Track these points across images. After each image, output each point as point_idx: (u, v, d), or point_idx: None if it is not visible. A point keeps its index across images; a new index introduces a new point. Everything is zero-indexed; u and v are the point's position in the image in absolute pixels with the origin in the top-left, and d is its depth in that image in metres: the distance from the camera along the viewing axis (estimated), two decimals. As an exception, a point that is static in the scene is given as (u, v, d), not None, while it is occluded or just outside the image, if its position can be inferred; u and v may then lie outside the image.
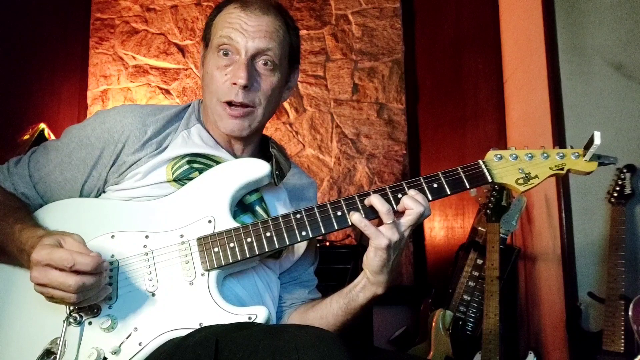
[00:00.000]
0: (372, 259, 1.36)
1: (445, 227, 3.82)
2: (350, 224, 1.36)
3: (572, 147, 1.43)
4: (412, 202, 1.33)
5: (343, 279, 3.05)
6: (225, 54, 1.48)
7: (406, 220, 1.34)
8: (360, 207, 1.36)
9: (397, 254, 1.37)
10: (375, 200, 1.33)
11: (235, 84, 1.46)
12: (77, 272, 1.19)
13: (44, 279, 1.20)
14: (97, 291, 1.26)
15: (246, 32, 1.47)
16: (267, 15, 1.50)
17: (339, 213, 1.36)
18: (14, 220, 1.36)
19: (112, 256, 1.35)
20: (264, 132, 1.70)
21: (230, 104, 1.48)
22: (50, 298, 1.24)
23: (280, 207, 1.57)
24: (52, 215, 1.43)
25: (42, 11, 4.02)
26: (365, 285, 1.41)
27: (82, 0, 4.09)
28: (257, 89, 1.49)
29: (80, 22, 4.07)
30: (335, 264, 3.13)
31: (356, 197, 1.37)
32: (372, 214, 1.35)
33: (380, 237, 1.33)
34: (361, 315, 1.46)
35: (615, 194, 2.72)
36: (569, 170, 1.41)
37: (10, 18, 3.94)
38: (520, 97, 3.49)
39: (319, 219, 1.36)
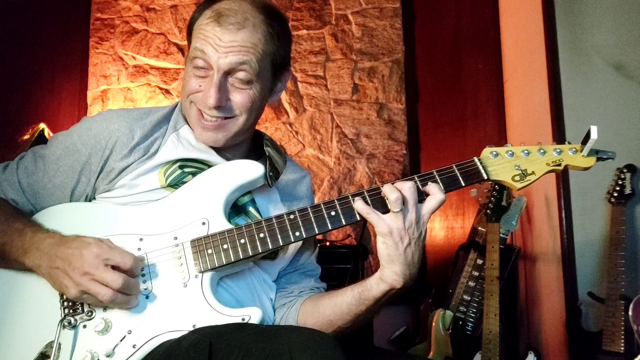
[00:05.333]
0: (380, 247, 1.34)
1: (445, 227, 3.82)
2: (344, 223, 1.35)
3: (569, 143, 1.41)
4: (436, 189, 1.34)
5: (343, 279, 3.04)
6: (201, 67, 1.44)
7: (427, 206, 1.34)
8: (365, 202, 1.35)
9: (413, 246, 1.33)
10: (387, 189, 1.32)
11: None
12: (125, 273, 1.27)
13: (95, 270, 1.25)
14: (129, 302, 1.30)
15: (219, 48, 1.40)
16: (243, 30, 1.42)
17: (333, 213, 1.36)
18: (22, 224, 1.38)
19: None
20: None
21: (202, 112, 1.46)
22: (83, 292, 1.27)
23: (271, 207, 1.56)
24: (48, 220, 1.43)
25: (42, 11, 4.03)
26: (381, 277, 1.37)
27: (82, 0, 4.10)
28: (230, 105, 1.45)
29: (80, 22, 4.08)
30: (335, 264, 3.13)
31: (350, 197, 1.36)
32: (381, 207, 1.34)
33: (382, 224, 1.32)
34: (376, 310, 1.43)
35: (615, 194, 2.71)
36: (566, 166, 1.39)
37: (11, 18, 3.95)
38: (520, 97, 3.48)
39: (313, 219, 1.36)
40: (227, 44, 1.41)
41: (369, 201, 1.35)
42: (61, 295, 1.33)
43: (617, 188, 2.71)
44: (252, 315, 1.31)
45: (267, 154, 1.57)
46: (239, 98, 1.45)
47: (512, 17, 3.61)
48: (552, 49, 2.99)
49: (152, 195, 1.44)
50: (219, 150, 1.53)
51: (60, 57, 4.02)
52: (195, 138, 1.52)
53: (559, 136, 2.90)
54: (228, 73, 1.43)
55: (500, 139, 3.62)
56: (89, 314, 1.30)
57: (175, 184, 1.45)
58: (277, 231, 1.36)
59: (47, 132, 3.35)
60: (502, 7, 3.75)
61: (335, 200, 1.37)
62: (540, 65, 3.08)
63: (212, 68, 1.42)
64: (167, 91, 4.00)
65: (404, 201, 1.31)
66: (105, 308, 1.31)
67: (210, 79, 1.43)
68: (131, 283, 1.29)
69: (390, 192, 1.31)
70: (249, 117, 1.49)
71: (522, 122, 3.46)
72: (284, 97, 3.96)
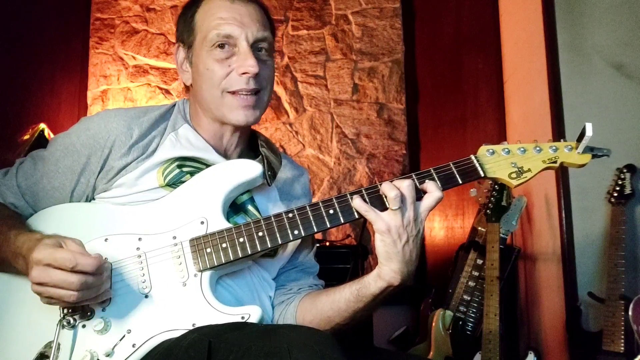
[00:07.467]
0: (378, 245, 1.35)
1: (445, 227, 3.82)
2: (342, 222, 1.36)
3: (564, 140, 1.42)
4: (434, 186, 1.34)
5: (343, 279, 3.01)
6: (222, 47, 1.47)
7: (425, 204, 1.34)
8: (363, 200, 1.36)
9: (411, 244, 1.34)
10: (385, 187, 1.32)
11: (245, 73, 1.46)
12: (78, 272, 1.20)
13: (45, 278, 1.20)
14: (97, 292, 1.26)
15: (242, 24, 1.46)
16: (253, 4, 1.52)
17: (331, 211, 1.36)
18: (8, 227, 1.37)
19: (106, 259, 1.34)
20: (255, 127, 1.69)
21: (239, 92, 1.48)
22: (48, 298, 1.24)
23: (271, 206, 1.56)
24: (46, 221, 1.43)
25: (42, 11, 4.03)
26: (379, 274, 1.37)
27: (82, 0, 4.09)
28: (263, 75, 1.50)
29: (80, 22, 4.08)
30: (335, 264, 3.13)
31: (348, 195, 1.36)
32: (379, 205, 1.35)
33: (380, 221, 1.32)
34: (373, 307, 1.43)
35: (615, 194, 2.71)
36: (562, 163, 1.40)
37: (11, 18, 3.95)
38: (520, 97, 3.49)
39: (311, 218, 1.36)
40: (247, 18, 1.48)
41: (367, 199, 1.35)
42: (60, 295, 1.33)
43: (617, 188, 2.72)
44: (252, 313, 1.31)
45: (263, 154, 1.58)
46: (266, 70, 1.51)
47: (512, 17, 3.61)
48: (552, 49, 2.99)
49: (150, 194, 1.44)
50: (217, 149, 1.54)
51: (60, 57, 4.01)
52: (196, 135, 1.53)
53: (559, 136, 2.88)
54: (252, 46, 1.48)
55: (500, 139, 3.61)
56: (88, 313, 1.30)
57: (173, 183, 1.45)
58: (276, 230, 1.36)
59: (47, 132, 3.34)
60: (502, 7, 3.75)
61: (334, 199, 1.37)
62: (540, 65, 3.08)
63: (237, 44, 1.47)
64: (167, 91, 4.00)
65: (402, 199, 1.31)
66: (104, 308, 1.31)
67: (240, 54, 1.47)
68: (88, 281, 1.22)
69: (388, 189, 1.31)
70: (269, 93, 1.55)
71: (522, 122, 3.46)
72: (284, 97, 3.96)
